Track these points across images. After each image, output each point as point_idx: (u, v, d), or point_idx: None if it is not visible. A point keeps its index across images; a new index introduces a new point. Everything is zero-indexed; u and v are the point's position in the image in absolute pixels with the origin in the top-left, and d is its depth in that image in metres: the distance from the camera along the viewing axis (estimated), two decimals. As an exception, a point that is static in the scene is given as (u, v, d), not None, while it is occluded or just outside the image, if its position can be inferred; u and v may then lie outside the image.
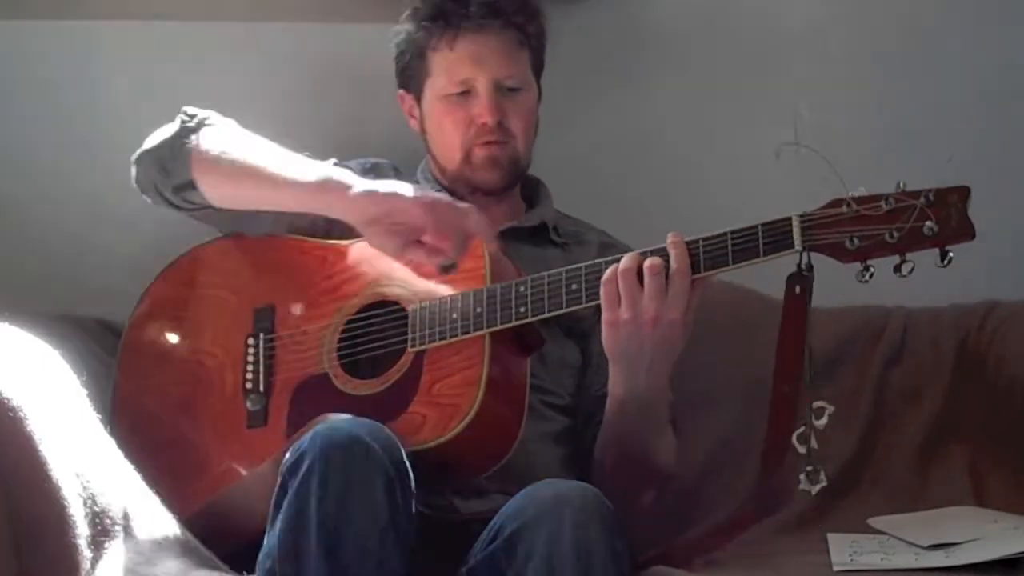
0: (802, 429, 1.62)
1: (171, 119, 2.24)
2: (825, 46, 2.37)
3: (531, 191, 2.05)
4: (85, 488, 1.42)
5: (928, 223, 1.55)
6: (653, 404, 1.75)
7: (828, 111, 2.30)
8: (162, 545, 1.55)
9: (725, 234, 1.64)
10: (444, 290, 1.76)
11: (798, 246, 1.60)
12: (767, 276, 1.67)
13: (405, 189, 1.69)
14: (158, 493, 1.59)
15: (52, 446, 1.38)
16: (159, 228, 2.13)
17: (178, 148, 1.83)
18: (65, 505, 1.37)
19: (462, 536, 1.67)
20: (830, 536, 1.89)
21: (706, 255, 1.64)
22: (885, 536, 1.89)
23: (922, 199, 1.56)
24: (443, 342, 1.74)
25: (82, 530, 1.39)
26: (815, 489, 1.63)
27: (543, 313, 1.71)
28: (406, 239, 1.69)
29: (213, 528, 1.70)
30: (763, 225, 1.62)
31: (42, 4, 2.24)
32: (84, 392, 1.53)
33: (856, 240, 1.57)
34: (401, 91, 2.03)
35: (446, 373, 1.73)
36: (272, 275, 1.89)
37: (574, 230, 2.04)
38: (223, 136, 1.84)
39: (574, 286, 1.70)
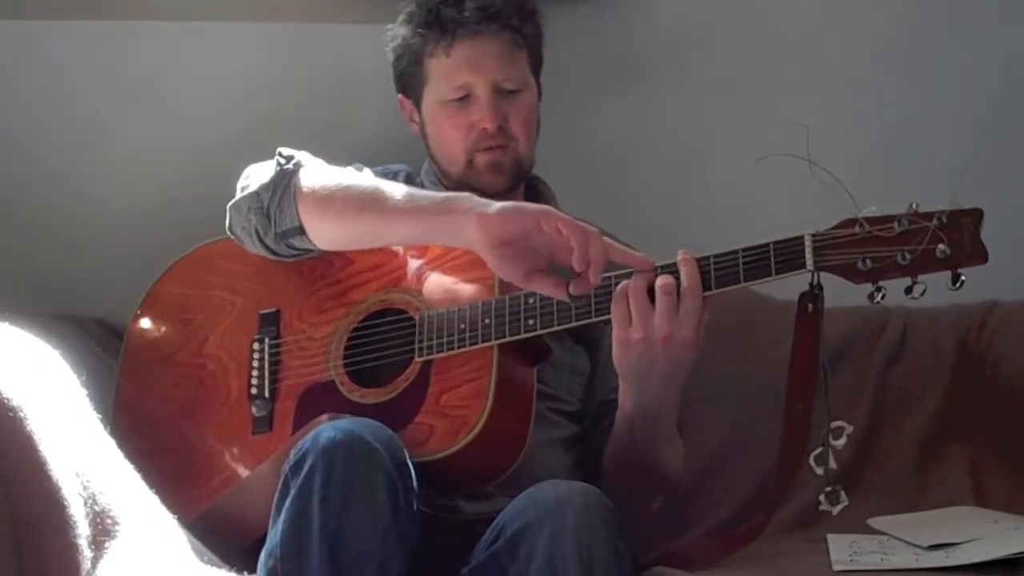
0: (820, 450, 1.61)
1: (171, 119, 2.26)
2: (826, 49, 2.37)
3: (534, 192, 2.05)
4: (85, 488, 1.42)
5: (941, 246, 1.54)
6: (662, 418, 1.75)
7: (829, 111, 2.31)
8: (162, 545, 1.55)
9: (736, 252, 1.63)
10: (452, 300, 1.76)
11: (810, 266, 1.59)
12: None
13: (543, 208, 1.62)
14: (160, 498, 1.58)
15: (52, 446, 1.38)
16: (160, 228, 2.14)
17: (282, 192, 1.78)
18: (65, 505, 1.37)
19: (464, 536, 1.67)
20: (830, 536, 1.89)
21: (717, 273, 1.63)
22: (885, 536, 1.89)
23: (935, 221, 1.55)
24: (451, 352, 1.73)
25: (82, 530, 1.38)
26: (836, 510, 1.63)
27: (552, 326, 1.71)
28: (533, 265, 1.61)
29: (214, 528, 1.69)
30: (775, 244, 1.61)
31: (42, 4, 2.24)
32: (84, 392, 1.53)
33: (868, 261, 1.57)
34: (400, 96, 2.03)
35: (454, 384, 1.72)
36: (278, 279, 1.88)
37: None
38: (325, 175, 1.78)
39: (583, 300, 1.69)
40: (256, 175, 1.83)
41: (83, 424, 1.50)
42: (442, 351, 1.74)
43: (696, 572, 1.70)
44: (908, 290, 1.56)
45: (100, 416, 1.55)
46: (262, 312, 1.88)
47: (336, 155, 2.06)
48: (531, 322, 1.71)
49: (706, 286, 1.63)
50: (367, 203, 1.71)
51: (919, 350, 2.17)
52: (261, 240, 1.81)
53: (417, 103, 1.99)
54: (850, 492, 2.03)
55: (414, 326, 1.77)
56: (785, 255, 1.61)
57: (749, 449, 2.06)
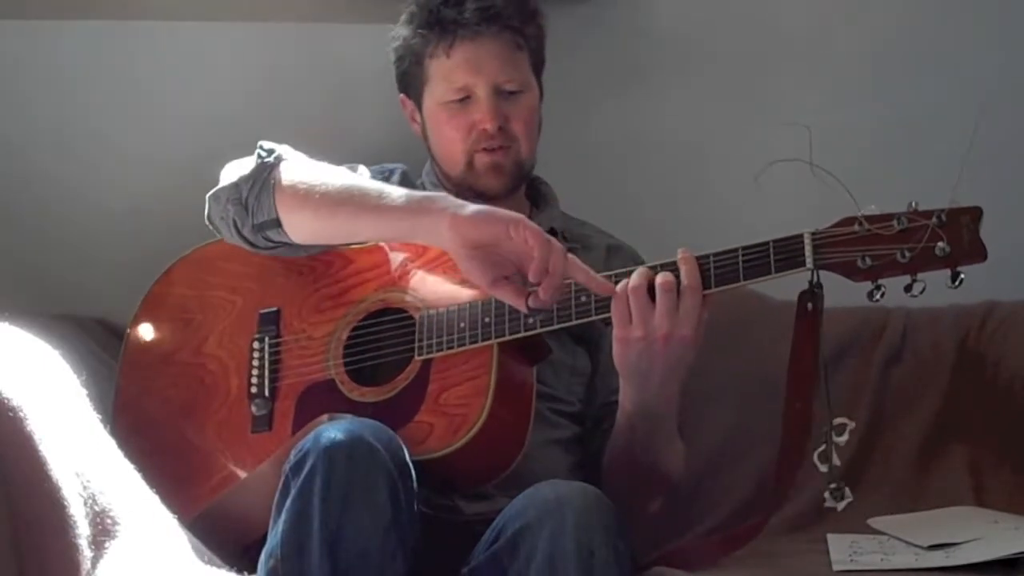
0: (823, 447, 1.62)
1: (171, 119, 2.26)
2: (826, 48, 2.37)
3: (535, 192, 2.05)
4: (85, 488, 1.41)
5: (940, 244, 1.54)
6: (663, 417, 1.75)
7: (829, 111, 2.31)
8: (162, 545, 1.55)
9: (736, 250, 1.63)
10: (451, 299, 1.76)
11: (810, 264, 1.60)
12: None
13: (515, 216, 1.61)
14: (160, 497, 1.58)
15: (52, 446, 1.38)
16: (160, 228, 2.14)
17: (260, 185, 1.79)
18: (65, 505, 1.37)
19: (465, 536, 1.67)
20: (830, 536, 1.89)
21: (717, 271, 1.63)
22: (885, 536, 1.89)
23: (934, 219, 1.55)
24: (451, 351, 1.73)
25: (82, 530, 1.38)
26: (841, 506, 1.63)
27: (552, 325, 1.71)
28: (501, 272, 1.62)
29: (214, 528, 1.69)
30: (775, 242, 1.61)
31: (42, 4, 2.24)
32: (84, 392, 1.53)
33: (868, 259, 1.57)
34: (402, 96, 2.02)
35: (453, 382, 1.72)
36: (278, 278, 1.88)
37: (580, 233, 2.03)
38: (304, 170, 1.79)
39: (583, 298, 1.69)
40: (236, 168, 1.83)
41: (83, 424, 1.50)
42: (442, 350, 1.74)
43: (696, 572, 1.70)
44: (908, 288, 1.57)
45: (100, 416, 1.55)
46: (262, 312, 1.88)
47: (336, 154, 2.06)
48: (531, 320, 1.71)
49: (706, 284, 1.63)
50: (343, 199, 1.72)
51: (919, 350, 2.17)
52: (239, 231, 1.81)
53: (418, 103, 1.99)
54: (850, 492, 2.05)
55: (414, 325, 1.77)
56: (785, 253, 1.61)
57: (749, 449, 2.06)
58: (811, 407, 1.63)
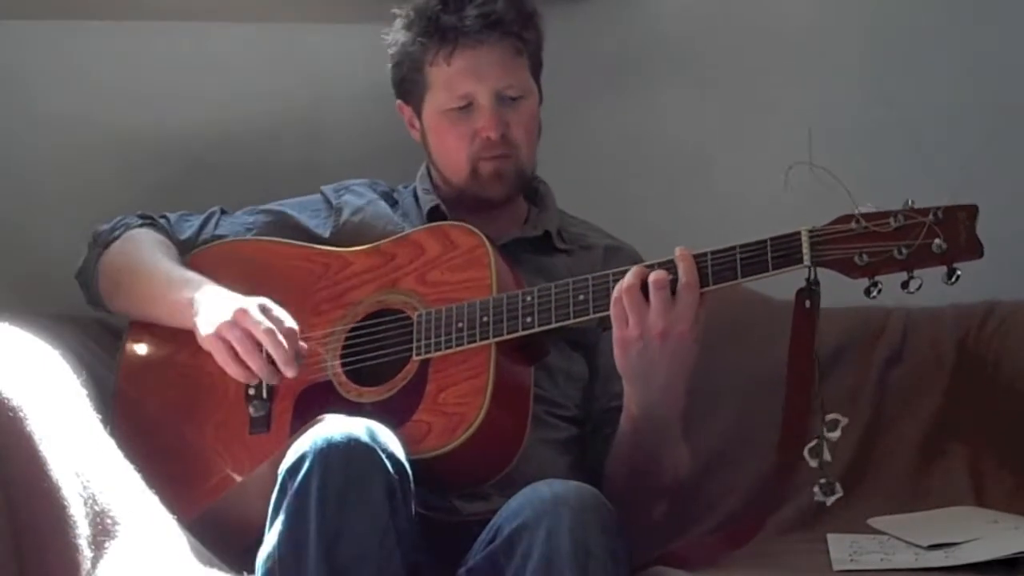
0: (814, 443, 1.62)
1: (170, 119, 2.26)
2: (825, 48, 2.37)
3: (533, 192, 2.05)
4: (85, 488, 1.42)
5: (937, 240, 1.55)
6: (667, 420, 1.74)
7: (830, 112, 2.31)
8: (162, 545, 1.55)
9: (734, 248, 1.63)
10: (449, 299, 1.76)
11: (807, 261, 1.60)
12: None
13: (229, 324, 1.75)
14: (159, 498, 1.58)
15: (52, 446, 1.38)
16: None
17: (90, 274, 1.98)
18: (65, 505, 1.37)
19: (462, 536, 1.67)
20: (830, 536, 1.89)
21: (714, 269, 1.63)
22: (885, 536, 1.89)
23: (931, 216, 1.55)
24: (448, 351, 1.74)
25: (82, 530, 1.38)
26: (830, 501, 1.63)
27: (550, 323, 1.71)
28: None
29: (214, 528, 1.69)
30: (772, 239, 1.62)
31: (43, 4, 2.23)
32: (84, 392, 1.53)
33: (865, 256, 1.57)
34: (400, 102, 2.01)
35: (452, 381, 1.72)
36: (275, 281, 1.88)
37: (578, 232, 2.03)
38: (119, 257, 1.95)
39: (581, 297, 1.69)
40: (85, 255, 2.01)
41: (83, 424, 1.50)
42: (440, 349, 1.74)
43: (696, 572, 1.70)
44: (905, 285, 1.57)
45: (100, 416, 1.55)
46: None
47: (336, 154, 2.06)
48: (529, 320, 1.71)
49: (704, 282, 1.64)
50: (133, 290, 1.92)
51: (919, 350, 2.17)
52: (99, 309, 2.01)
53: (417, 110, 1.98)
54: (850, 492, 2.04)
55: (412, 325, 1.77)
56: (782, 251, 1.61)
57: (749, 449, 2.05)
58: (809, 404, 1.63)
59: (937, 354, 2.16)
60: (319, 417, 1.63)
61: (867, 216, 1.58)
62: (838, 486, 1.62)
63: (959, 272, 1.55)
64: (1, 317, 1.48)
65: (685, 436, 1.84)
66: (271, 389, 1.82)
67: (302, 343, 1.78)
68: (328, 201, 2.01)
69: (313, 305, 1.86)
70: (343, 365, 1.80)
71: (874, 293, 1.58)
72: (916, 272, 1.56)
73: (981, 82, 2.35)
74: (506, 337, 1.72)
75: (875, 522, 1.95)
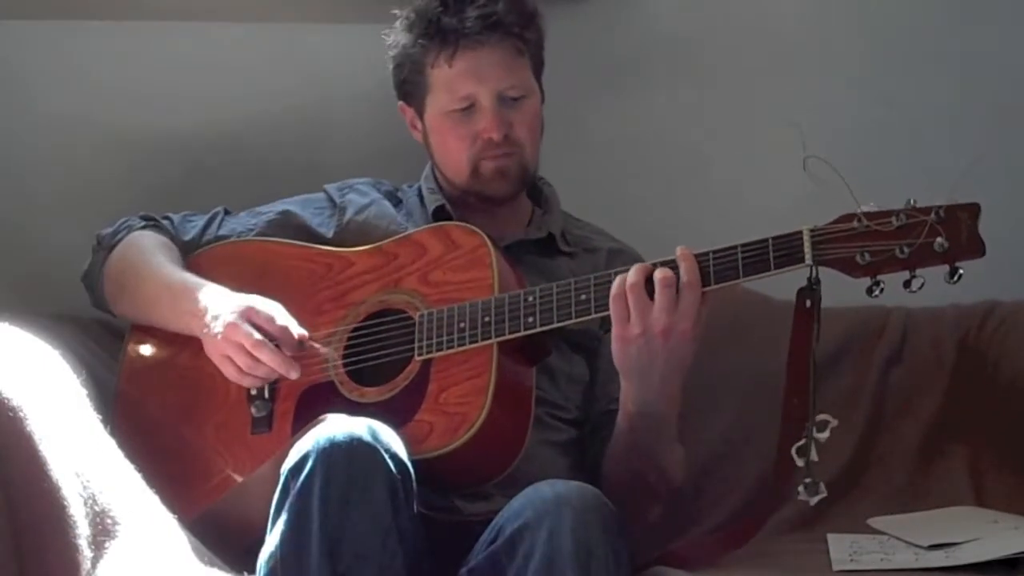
0: (802, 442, 1.62)
1: (171, 120, 2.26)
2: (824, 47, 2.38)
3: (538, 193, 2.05)
4: (85, 488, 1.42)
5: (939, 239, 1.55)
6: (664, 418, 1.74)
7: (830, 111, 2.31)
8: (162, 545, 1.55)
9: (735, 247, 1.63)
10: (451, 299, 1.77)
11: (809, 260, 1.60)
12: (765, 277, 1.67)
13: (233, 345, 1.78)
14: (161, 498, 1.58)
15: (52, 446, 1.38)
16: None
17: (96, 277, 1.98)
18: (65, 505, 1.37)
19: (464, 536, 1.66)
20: (830, 536, 1.89)
21: (716, 268, 1.63)
22: (885, 536, 1.89)
23: (933, 215, 1.55)
24: (450, 351, 1.74)
25: (82, 530, 1.38)
26: (814, 500, 1.63)
27: (552, 323, 1.71)
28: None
29: (215, 528, 1.69)
30: (774, 239, 1.62)
31: (42, 4, 2.23)
32: (84, 392, 1.53)
33: (867, 255, 1.57)
34: (401, 103, 2.01)
35: (453, 381, 1.72)
36: (277, 281, 1.88)
37: (582, 235, 2.03)
38: (122, 260, 1.95)
39: (583, 296, 1.69)
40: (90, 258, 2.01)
41: (83, 424, 1.50)
42: (442, 349, 1.74)
43: (696, 572, 1.70)
44: (907, 284, 1.57)
45: (100, 416, 1.55)
46: None
47: (338, 155, 2.06)
48: (531, 319, 1.71)
49: (705, 281, 1.63)
50: (135, 296, 1.92)
51: (919, 350, 2.17)
52: (105, 311, 2.01)
53: (419, 111, 1.98)
54: (850, 492, 2.06)
55: (413, 325, 1.78)
56: (784, 250, 1.61)
57: (749, 449, 2.06)
58: (808, 403, 1.63)
59: (937, 354, 2.16)
60: (321, 417, 1.63)
61: (869, 215, 1.58)
62: (822, 486, 1.62)
63: (961, 271, 1.55)
64: (1, 317, 1.48)
65: (682, 439, 1.84)
66: (273, 389, 1.82)
67: (303, 331, 1.80)
68: (332, 200, 2.01)
69: (315, 305, 1.86)
70: (345, 365, 1.80)
71: (876, 292, 1.58)
72: (918, 271, 1.56)
73: (981, 82, 2.35)
74: (508, 337, 1.72)
75: (875, 522, 1.95)
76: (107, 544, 1.43)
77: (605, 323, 1.83)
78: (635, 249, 2.00)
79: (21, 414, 1.36)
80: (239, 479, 1.79)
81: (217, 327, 1.78)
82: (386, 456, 1.53)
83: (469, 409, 1.68)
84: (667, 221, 2.27)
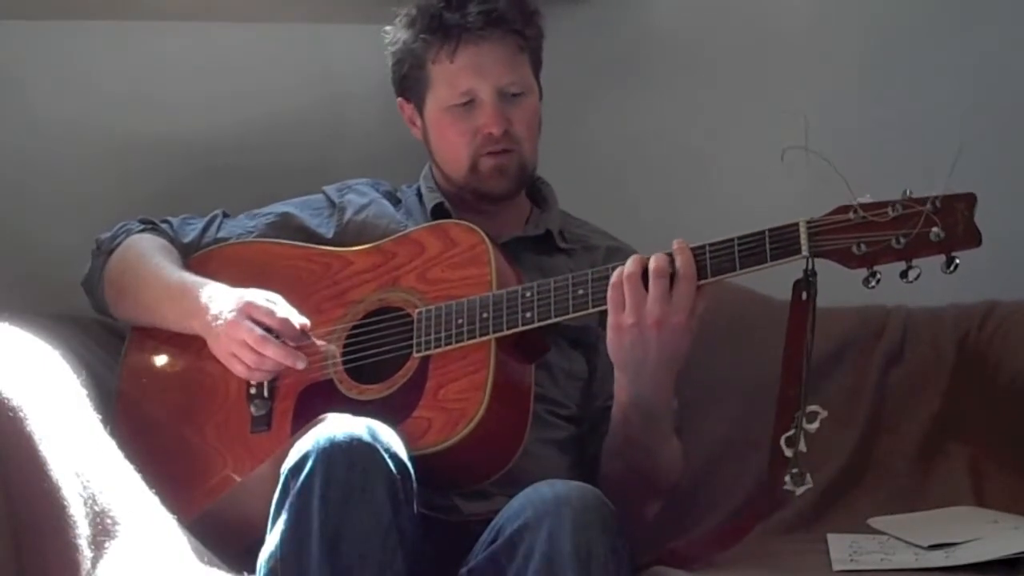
0: (791, 432, 1.62)
1: (171, 120, 2.26)
2: (823, 45, 2.38)
3: (537, 193, 2.05)
4: (85, 488, 1.42)
5: (935, 229, 1.55)
6: (657, 411, 1.74)
7: (829, 110, 2.31)
8: (162, 545, 1.55)
9: (732, 240, 1.63)
10: (449, 297, 1.77)
11: (805, 252, 1.60)
12: (764, 276, 1.67)
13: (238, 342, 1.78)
14: (161, 498, 1.58)
15: (52, 446, 1.38)
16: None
17: (96, 281, 1.99)
18: (65, 505, 1.37)
19: (463, 536, 1.67)
20: (830, 536, 1.89)
21: (713, 261, 1.63)
22: (885, 536, 1.89)
23: (929, 205, 1.56)
24: (449, 347, 1.74)
25: (82, 530, 1.38)
26: (800, 490, 1.63)
27: (549, 318, 1.71)
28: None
29: (215, 528, 1.69)
30: (770, 231, 1.62)
31: (42, 4, 2.23)
32: (84, 392, 1.53)
33: (863, 246, 1.57)
34: (400, 99, 2.01)
35: (452, 377, 1.73)
36: (276, 282, 1.88)
37: (580, 234, 2.03)
38: (122, 263, 1.96)
39: (580, 291, 1.70)
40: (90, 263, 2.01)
41: (83, 424, 1.50)
42: (440, 346, 1.74)
43: (695, 572, 1.70)
44: (903, 274, 1.57)
45: (100, 416, 1.55)
46: None
47: (336, 154, 2.06)
48: (528, 315, 1.71)
49: (702, 274, 1.64)
50: (137, 297, 1.92)
51: (919, 350, 2.17)
52: (107, 315, 2.01)
53: (419, 107, 1.98)
54: (850, 492, 2.06)
55: (412, 323, 1.78)
56: (780, 242, 1.61)
57: (749, 449, 2.05)
58: (805, 395, 1.63)
59: (937, 354, 2.16)
60: (321, 416, 1.63)
61: (865, 206, 1.58)
62: (808, 477, 1.63)
63: (957, 261, 1.55)
64: (1, 317, 1.48)
65: (679, 435, 1.84)
66: (273, 388, 1.82)
67: (304, 320, 1.81)
68: (331, 201, 2.02)
69: (314, 304, 1.86)
70: (344, 363, 1.80)
71: (872, 283, 1.58)
72: (915, 261, 1.56)
73: (981, 81, 2.35)
74: (506, 332, 1.72)
75: (875, 522, 1.95)
76: (107, 544, 1.43)
77: (603, 317, 1.84)
78: (634, 248, 2.00)
79: (21, 414, 1.36)
80: (239, 479, 1.79)
81: (219, 326, 1.78)
82: (386, 456, 1.53)
83: (467, 405, 1.69)
84: (667, 220, 2.27)
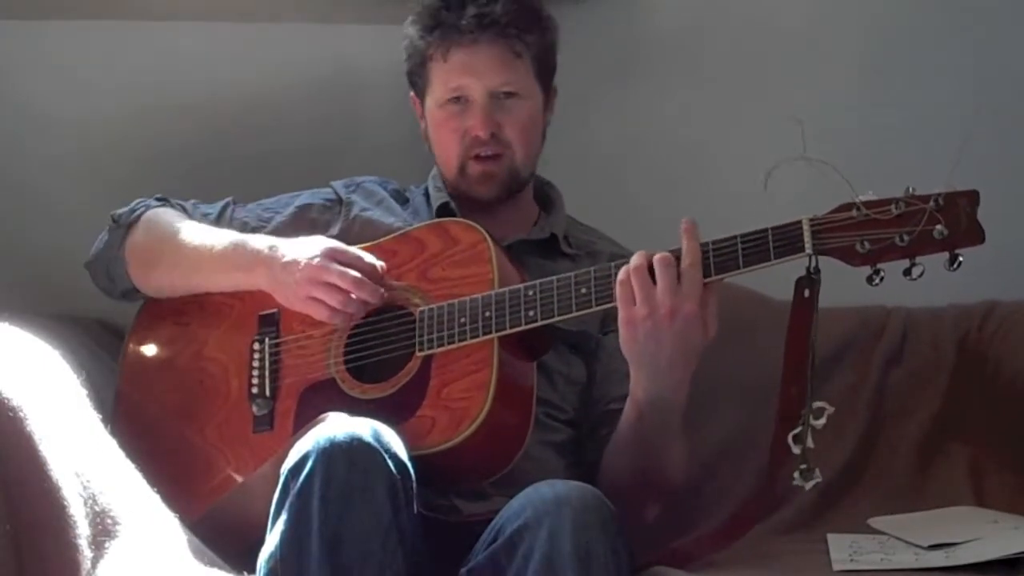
0: (799, 429, 1.62)
1: (172, 120, 2.26)
2: (824, 44, 2.38)
3: (543, 197, 2.05)
4: (85, 488, 1.42)
5: (938, 227, 1.55)
6: (672, 408, 1.73)
7: (829, 110, 2.31)
8: (162, 545, 1.55)
9: (735, 238, 1.63)
10: (451, 295, 1.77)
11: (808, 250, 1.60)
12: (764, 275, 1.67)
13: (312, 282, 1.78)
14: (162, 498, 1.58)
15: (52, 446, 1.38)
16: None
17: (113, 257, 1.94)
18: (65, 505, 1.37)
19: (463, 536, 1.67)
20: (830, 536, 1.89)
21: (716, 259, 1.63)
22: (885, 536, 1.89)
23: (932, 203, 1.56)
24: (451, 346, 1.74)
25: (82, 530, 1.38)
26: (808, 485, 1.63)
27: (552, 317, 1.71)
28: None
29: (216, 528, 1.69)
30: (773, 229, 1.62)
31: (42, 4, 2.24)
32: (84, 392, 1.53)
33: (866, 244, 1.57)
34: (412, 94, 2.03)
35: (455, 377, 1.73)
36: None
37: (586, 239, 2.03)
38: (149, 233, 1.93)
39: (583, 290, 1.70)
40: (101, 237, 1.97)
41: (83, 424, 1.50)
42: (442, 345, 1.74)
43: (695, 572, 1.70)
44: (907, 272, 1.57)
45: (100, 416, 1.55)
46: (261, 314, 1.88)
47: (338, 155, 2.05)
48: (531, 313, 1.71)
49: (705, 272, 1.64)
50: (178, 262, 1.89)
51: (919, 350, 2.17)
52: (114, 295, 1.98)
53: (423, 104, 2.00)
54: (850, 492, 2.06)
55: (414, 321, 1.78)
56: (784, 239, 1.61)
57: (749, 449, 2.05)
58: (806, 393, 1.63)
59: (937, 354, 2.16)
60: (321, 416, 1.63)
61: (868, 204, 1.58)
62: (817, 472, 1.63)
63: (961, 258, 1.55)
64: (1, 317, 1.49)
65: (686, 435, 1.84)
66: (274, 388, 1.82)
67: (381, 262, 1.82)
68: (338, 196, 2.02)
69: None
70: (346, 363, 1.80)
71: (876, 281, 1.58)
72: (918, 259, 1.56)
73: (981, 81, 2.35)
74: (508, 331, 1.72)
75: (875, 522, 1.95)
76: (107, 544, 1.43)
77: (604, 325, 1.84)
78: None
79: (21, 414, 1.36)
80: (240, 478, 1.79)
81: (299, 271, 1.78)
82: (386, 456, 1.53)
83: (471, 404, 1.69)
84: (667, 219, 2.26)
